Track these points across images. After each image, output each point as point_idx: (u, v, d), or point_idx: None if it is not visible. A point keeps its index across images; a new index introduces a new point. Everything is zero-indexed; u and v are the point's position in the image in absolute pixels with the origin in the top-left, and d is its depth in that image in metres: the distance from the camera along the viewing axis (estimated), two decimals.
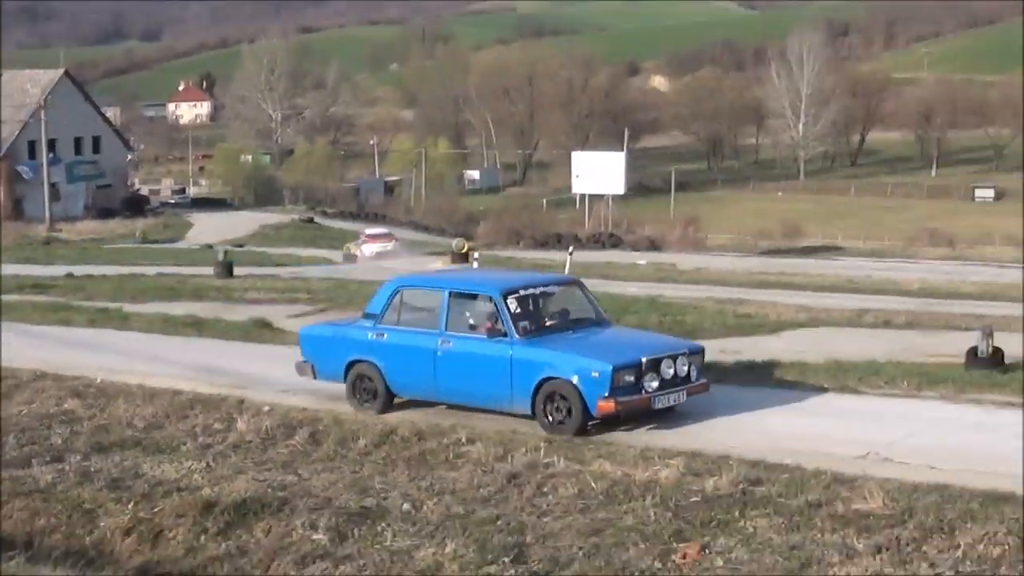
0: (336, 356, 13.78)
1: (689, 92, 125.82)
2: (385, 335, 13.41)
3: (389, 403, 13.40)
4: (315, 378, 14.05)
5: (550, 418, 12.11)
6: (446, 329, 12.92)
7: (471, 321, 12.89)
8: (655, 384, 12.05)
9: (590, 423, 11.95)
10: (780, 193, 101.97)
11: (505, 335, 12.43)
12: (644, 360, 12.06)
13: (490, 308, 12.74)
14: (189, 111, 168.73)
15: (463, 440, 11.49)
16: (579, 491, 9.76)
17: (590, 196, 65.90)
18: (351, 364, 13.63)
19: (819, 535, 8.38)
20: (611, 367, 11.84)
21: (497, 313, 12.60)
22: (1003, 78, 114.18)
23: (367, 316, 13.73)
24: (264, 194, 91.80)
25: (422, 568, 8.40)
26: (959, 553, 7.93)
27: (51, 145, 65.66)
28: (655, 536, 8.60)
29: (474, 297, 13.13)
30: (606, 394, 11.82)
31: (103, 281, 28.55)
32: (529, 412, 12.32)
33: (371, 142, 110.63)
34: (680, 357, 12.41)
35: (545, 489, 9.91)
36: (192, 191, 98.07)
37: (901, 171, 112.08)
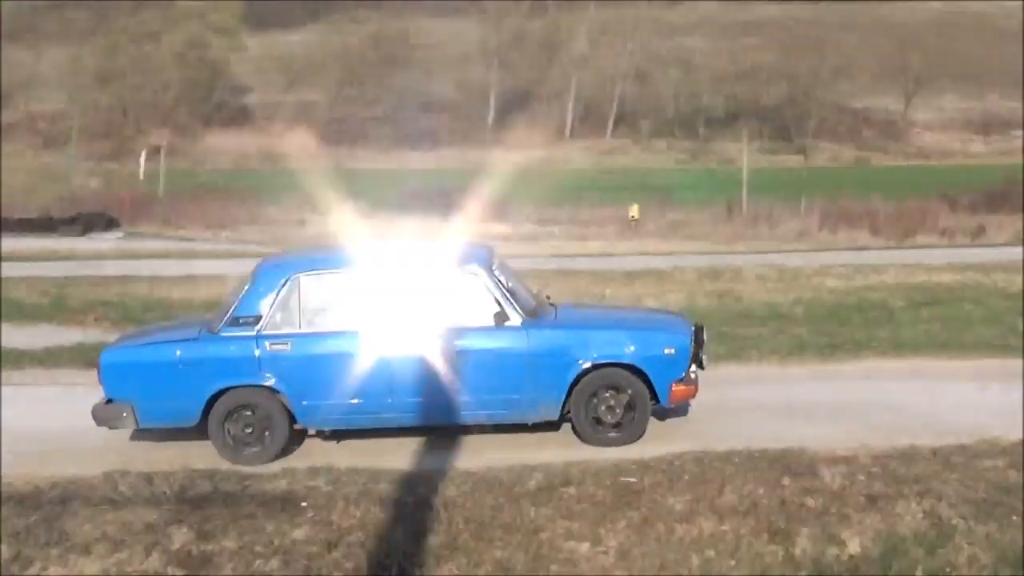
0: (187, 387, 9.56)
1: None
2: (289, 344, 9.59)
3: (286, 442, 9.62)
4: (137, 425, 9.65)
5: (600, 420, 9.72)
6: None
7: (443, 306, 9.70)
8: (705, 359, 10.11)
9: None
10: None
11: (506, 319, 9.60)
12: (694, 331, 10.13)
13: (476, 283, 9.73)
14: None
15: None
16: None
17: None
18: (217, 395, 9.58)
19: None
20: (688, 339, 9.89)
21: (489, 290, 9.70)
22: None
23: (237, 321, 9.64)
24: None
25: None
26: None
27: None
28: None
29: (436, 270, 9.88)
30: (682, 376, 9.78)
31: None
32: (557, 416, 9.79)
33: None
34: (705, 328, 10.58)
35: None
36: None
37: None
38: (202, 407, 9.72)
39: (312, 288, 9.83)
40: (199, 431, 9.80)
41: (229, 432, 9.76)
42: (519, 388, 9.76)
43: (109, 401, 9.81)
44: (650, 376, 9.85)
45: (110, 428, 9.90)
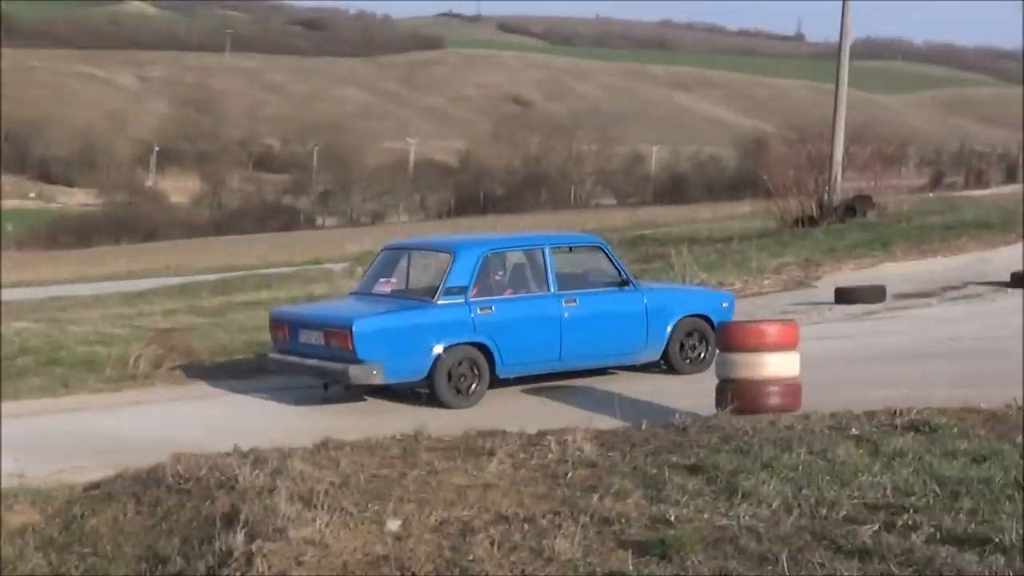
0: (422, 346, 12.08)
1: None
2: (492, 308, 12.47)
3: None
4: (384, 381, 12.09)
5: (688, 357, 13.24)
6: (559, 289, 12.72)
7: (579, 276, 13.19)
8: None
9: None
10: None
11: (627, 284, 13.09)
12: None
13: (599, 258, 13.28)
14: None
15: None
16: None
17: None
18: (445, 350, 12.11)
19: None
20: (733, 295, 14.67)
21: (610, 262, 13.17)
22: None
23: (450, 291, 12.33)
24: None
25: None
26: None
27: None
28: None
29: (578, 248, 13.77)
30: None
31: None
32: (659, 357, 13.25)
33: None
34: None
35: None
36: None
37: None
38: (431, 363, 11.99)
39: (496, 264, 12.73)
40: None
41: (452, 382, 12.07)
42: (639, 335, 13.06)
43: (360, 362, 11.74)
44: (715, 323, 12.84)
45: (360, 386, 12.09)
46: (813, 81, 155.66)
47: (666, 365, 13.35)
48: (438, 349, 12.07)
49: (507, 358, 12.40)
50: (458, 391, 12.16)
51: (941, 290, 19.20)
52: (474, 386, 12.23)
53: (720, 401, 10.13)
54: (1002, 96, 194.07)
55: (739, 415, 9.64)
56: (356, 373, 11.90)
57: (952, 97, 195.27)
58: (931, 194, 52.95)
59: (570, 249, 13.64)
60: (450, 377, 12.11)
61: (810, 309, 18.04)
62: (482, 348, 12.28)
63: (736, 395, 9.95)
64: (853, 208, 32.22)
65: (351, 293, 13.87)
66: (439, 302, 12.26)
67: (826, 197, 32.12)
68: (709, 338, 13.20)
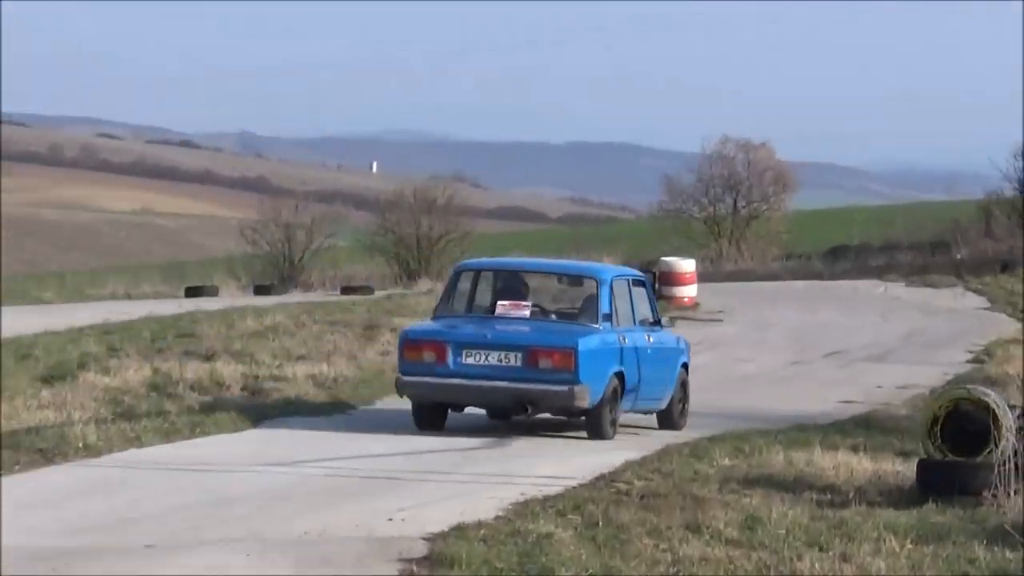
0: (605, 369, 12.51)
1: None
2: (626, 339, 12.78)
3: None
4: (588, 404, 12.27)
5: (681, 410, 14.04)
6: (637, 323, 13.46)
7: (642, 311, 13.71)
8: None
9: None
10: None
11: (658, 323, 14.10)
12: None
13: (641, 293, 13.83)
14: None
15: None
16: None
17: None
18: (610, 377, 12.56)
19: None
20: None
21: (648, 299, 13.90)
22: None
23: (604, 317, 12.71)
24: None
25: None
26: None
27: None
28: None
29: (638, 284, 13.88)
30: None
31: None
32: (665, 406, 13.70)
33: None
34: None
35: None
36: None
37: None
38: (603, 389, 12.28)
39: (616, 290, 13.01)
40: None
41: (610, 412, 12.56)
42: (673, 377, 13.72)
43: (580, 383, 12.05)
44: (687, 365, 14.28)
45: (566, 408, 12.28)
46: None
47: (661, 419, 13.37)
48: (610, 374, 12.32)
49: (629, 390, 12.57)
50: (612, 421, 12.35)
51: None
52: (618, 418, 12.46)
53: None
54: None
55: None
56: (580, 393, 11.91)
57: None
58: None
59: (637, 283, 13.62)
60: (620, 404, 12.39)
61: None
62: (620, 377, 12.43)
63: None
64: None
65: (449, 315, 12.94)
66: (599, 327, 12.50)
67: None
68: (687, 387, 13.77)
